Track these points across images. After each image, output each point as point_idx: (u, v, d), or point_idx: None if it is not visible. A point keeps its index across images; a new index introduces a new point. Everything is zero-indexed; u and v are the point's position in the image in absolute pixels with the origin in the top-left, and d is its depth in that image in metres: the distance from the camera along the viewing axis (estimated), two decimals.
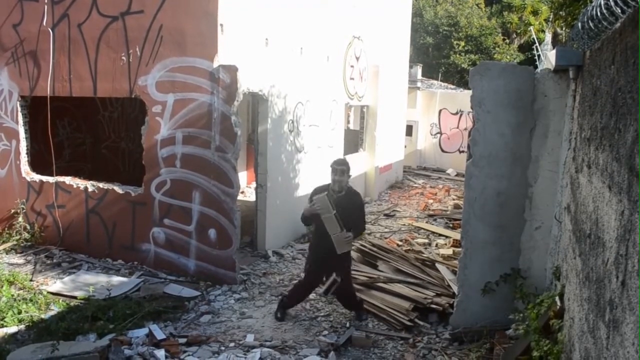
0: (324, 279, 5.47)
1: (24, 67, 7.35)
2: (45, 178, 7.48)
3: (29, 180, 7.56)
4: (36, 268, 6.72)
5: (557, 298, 3.81)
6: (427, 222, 10.10)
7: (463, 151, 16.39)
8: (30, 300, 5.57)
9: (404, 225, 9.87)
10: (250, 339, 5.07)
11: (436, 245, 8.46)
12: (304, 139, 8.67)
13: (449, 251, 7.70)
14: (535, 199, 4.82)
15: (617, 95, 2.39)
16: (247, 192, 11.51)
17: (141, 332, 5.05)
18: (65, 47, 7.01)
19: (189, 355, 4.72)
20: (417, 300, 5.66)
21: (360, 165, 11.47)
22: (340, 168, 5.14)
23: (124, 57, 6.64)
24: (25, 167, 7.62)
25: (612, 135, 2.45)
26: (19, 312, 5.28)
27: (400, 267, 6.51)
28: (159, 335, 4.96)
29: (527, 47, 23.45)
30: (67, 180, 7.33)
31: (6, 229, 7.60)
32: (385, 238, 8.69)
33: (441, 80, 21.17)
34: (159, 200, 6.66)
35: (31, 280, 6.26)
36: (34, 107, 7.70)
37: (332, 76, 9.68)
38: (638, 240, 1.87)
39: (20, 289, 5.95)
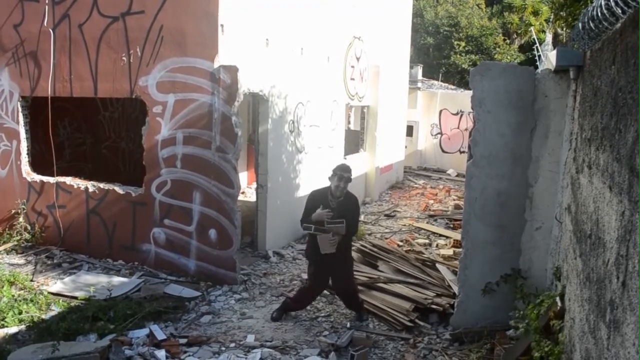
0: (329, 281, 5.47)
1: (24, 68, 7.36)
2: (45, 178, 7.49)
3: (29, 180, 7.57)
4: (37, 268, 6.72)
5: (557, 298, 3.80)
6: (427, 223, 10.10)
7: (463, 151, 16.39)
8: (31, 300, 5.57)
9: (405, 225, 9.87)
10: (250, 339, 5.07)
11: (437, 245, 8.46)
12: (305, 139, 8.67)
13: (449, 251, 7.69)
14: (536, 199, 4.81)
15: (618, 96, 2.39)
16: (247, 192, 11.51)
17: (142, 333, 5.05)
18: (66, 47, 7.01)
19: (189, 355, 4.72)
20: (418, 300, 5.66)
21: (360, 165, 11.46)
22: (347, 176, 5.14)
23: (124, 58, 6.65)
24: (25, 168, 7.62)
25: (612, 136, 2.45)
26: (20, 313, 5.28)
27: (400, 267, 6.51)
28: (160, 335, 4.96)
29: (527, 48, 23.43)
30: (68, 180, 7.34)
31: (7, 229, 7.60)
32: (386, 238, 8.68)
33: (442, 81, 21.17)
34: (160, 201, 6.67)
35: (32, 281, 6.27)
36: (34, 107, 7.70)
37: (332, 76, 9.68)
38: (638, 241, 1.86)
39: (20, 289, 5.96)
